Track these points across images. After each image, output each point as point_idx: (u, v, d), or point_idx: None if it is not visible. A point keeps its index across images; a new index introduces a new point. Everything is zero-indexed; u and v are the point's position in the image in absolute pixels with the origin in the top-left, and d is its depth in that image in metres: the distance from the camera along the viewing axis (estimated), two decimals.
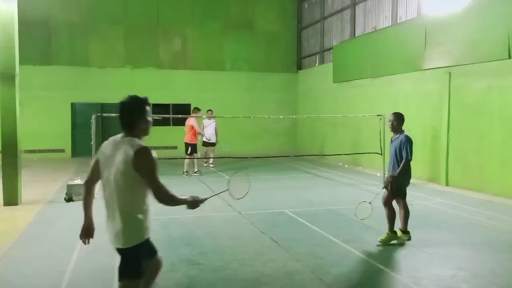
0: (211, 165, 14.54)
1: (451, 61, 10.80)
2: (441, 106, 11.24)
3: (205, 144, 14.24)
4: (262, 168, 14.35)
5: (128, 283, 3.15)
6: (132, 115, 3.26)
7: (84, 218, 3.32)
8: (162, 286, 4.61)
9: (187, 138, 12.88)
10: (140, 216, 3.08)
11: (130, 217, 3.07)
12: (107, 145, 3.27)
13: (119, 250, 3.17)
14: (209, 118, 14.15)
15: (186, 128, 12.94)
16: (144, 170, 3.02)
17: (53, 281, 4.72)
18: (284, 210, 8.16)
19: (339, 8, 17.02)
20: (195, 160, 12.88)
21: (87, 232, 3.35)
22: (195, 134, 12.85)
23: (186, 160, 12.77)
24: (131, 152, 3.01)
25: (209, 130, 14.10)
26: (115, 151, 3.13)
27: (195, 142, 12.89)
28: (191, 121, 12.91)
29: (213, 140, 14.22)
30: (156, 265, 3.46)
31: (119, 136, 3.26)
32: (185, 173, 12.68)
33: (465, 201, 9.08)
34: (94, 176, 3.31)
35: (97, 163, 3.27)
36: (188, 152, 12.81)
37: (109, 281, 4.73)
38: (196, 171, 12.87)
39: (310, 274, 4.96)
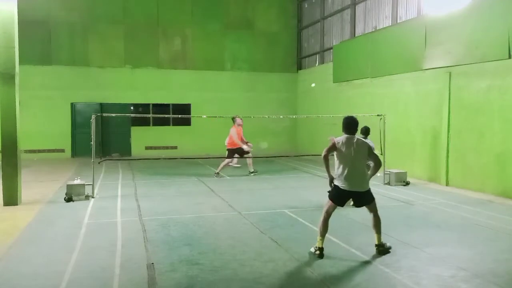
0: (237, 165, 14.50)
1: (451, 61, 10.80)
2: (441, 106, 11.24)
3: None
4: (262, 168, 14.34)
5: (373, 203, 5.71)
6: (356, 126, 5.70)
7: (329, 174, 5.68)
8: (162, 286, 4.61)
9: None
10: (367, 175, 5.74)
11: (366, 175, 5.69)
12: (344, 138, 5.60)
13: (361, 192, 5.58)
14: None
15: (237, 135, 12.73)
16: (371, 152, 5.73)
17: (53, 281, 4.72)
18: (284, 210, 8.16)
19: (339, 8, 17.02)
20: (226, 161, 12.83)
21: (331, 181, 5.71)
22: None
23: (226, 161, 12.80)
24: (366, 144, 5.67)
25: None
26: (352, 143, 5.56)
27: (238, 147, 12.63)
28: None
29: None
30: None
31: (345, 135, 5.62)
32: (253, 173, 12.82)
33: (465, 201, 9.07)
34: (330, 152, 5.61)
35: (334, 147, 5.57)
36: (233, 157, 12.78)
37: (109, 281, 4.72)
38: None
39: (310, 274, 4.96)
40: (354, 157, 5.52)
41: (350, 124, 5.68)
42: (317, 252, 5.52)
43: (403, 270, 5.10)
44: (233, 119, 12.98)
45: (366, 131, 8.95)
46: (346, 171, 5.52)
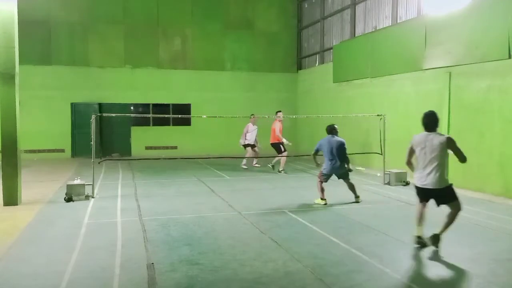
0: (257, 165, 14.67)
1: (451, 61, 10.80)
2: (441, 106, 11.22)
3: (249, 146, 14.33)
4: (262, 167, 14.35)
5: (454, 204, 5.67)
6: (433, 122, 5.67)
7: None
8: (162, 286, 4.61)
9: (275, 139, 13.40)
10: (445, 172, 5.66)
11: (443, 173, 5.60)
12: (419, 137, 5.73)
13: (435, 190, 5.62)
14: (254, 123, 14.32)
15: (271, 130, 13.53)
16: (453, 147, 5.57)
17: (53, 281, 4.72)
18: (284, 210, 8.16)
19: (339, 8, 17.02)
20: (282, 158, 13.40)
21: None
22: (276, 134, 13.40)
23: (283, 159, 13.41)
24: (444, 139, 5.55)
25: (253, 136, 14.23)
26: (426, 140, 5.63)
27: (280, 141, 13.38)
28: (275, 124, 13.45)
29: (253, 143, 14.33)
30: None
31: (425, 132, 5.69)
32: (282, 171, 13.23)
33: (465, 201, 8.93)
34: (411, 157, 5.91)
35: (412, 149, 5.81)
36: (283, 150, 13.34)
37: (109, 281, 4.72)
38: (281, 170, 13.33)
39: (310, 274, 4.96)
40: (427, 154, 5.61)
41: (425, 121, 5.73)
42: (416, 239, 5.82)
43: (403, 270, 5.10)
44: (276, 113, 13.71)
45: (331, 130, 8.78)
46: (418, 169, 5.73)
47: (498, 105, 9.66)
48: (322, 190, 8.72)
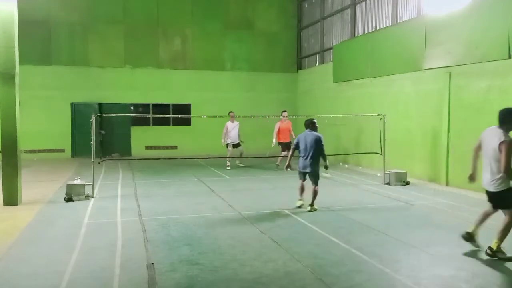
0: (241, 164, 14.73)
1: (451, 61, 10.80)
2: (441, 106, 11.23)
3: (233, 146, 14.37)
4: (262, 168, 14.35)
5: (509, 209, 5.34)
6: (504, 118, 5.31)
7: (472, 167, 5.70)
8: (162, 286, 4.61)
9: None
10: (501, 174, 5.17)
11: (494, 174, 5.22)
12: (487, 131, 5.46)
13: (490, 192, 5.37)
14: (232, 121, 14.41)
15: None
16: (503, 151, 5.08)
17: (53, 281, 4.72)
18: (284, 210, 8.16)
19: (339, 8, 17.02)
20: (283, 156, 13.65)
21: (472, 177, 5.72)
22: (278, 133, 13.97)
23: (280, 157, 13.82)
24: (500, 138, 5.13)
25: (234, 132, 14.31)
26: (490, 136, 5.31)
27: (281, 141, 13.96)
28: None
29: (237, 141, 14.40)
30: None
31: (494, 127, 5.34)
32: (277, 164, 13.82)
33: (465, 201, 9.07)
34: (477, 151, 5.64)
35: (479, 143, 5.54)
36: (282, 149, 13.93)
37: (109, 281, 4.72)
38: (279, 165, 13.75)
39: (310, 274, 4.96)
40: (486, 152, 5.39)
41: (499, 114, 5.39)
42: (464, 232, 5.80)
43: (403, 270, 5.10)
44: (282, 113, 14.23)
45: (308, 125, 8.39)
46: (483, 167, 5.42)
47: (498, 105, 9.50)
48: (301, 189, 8.45)
